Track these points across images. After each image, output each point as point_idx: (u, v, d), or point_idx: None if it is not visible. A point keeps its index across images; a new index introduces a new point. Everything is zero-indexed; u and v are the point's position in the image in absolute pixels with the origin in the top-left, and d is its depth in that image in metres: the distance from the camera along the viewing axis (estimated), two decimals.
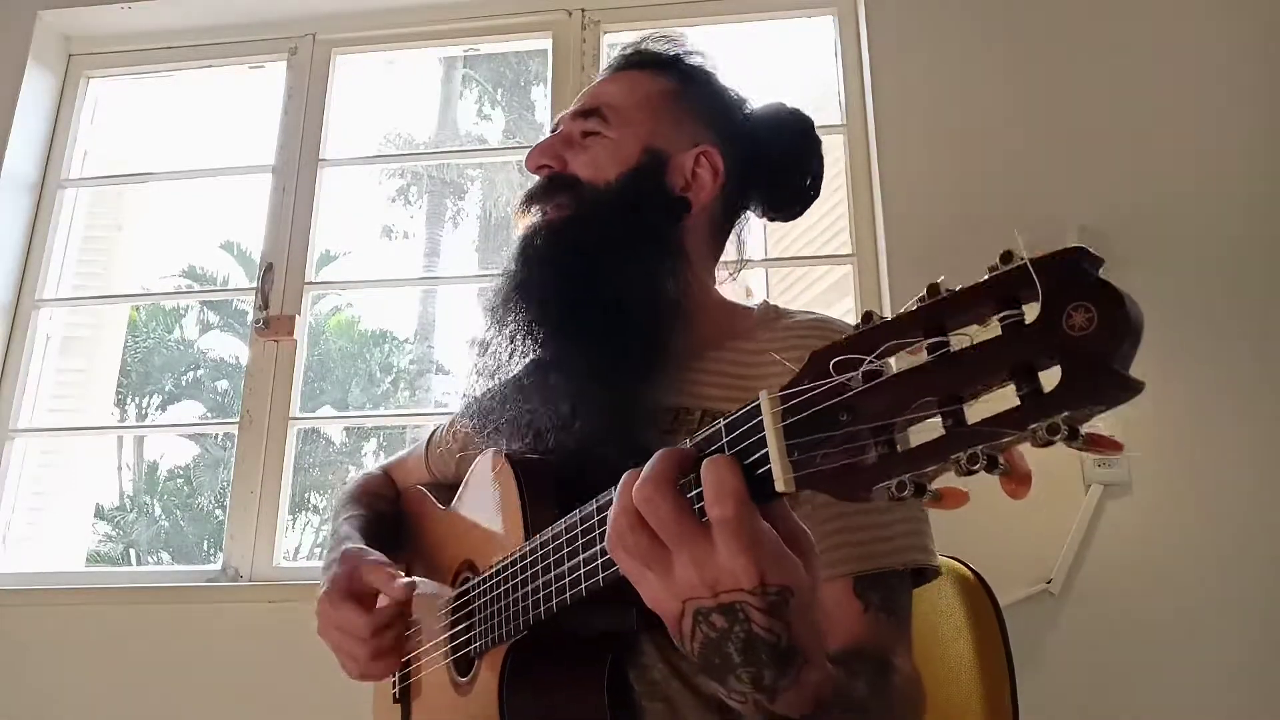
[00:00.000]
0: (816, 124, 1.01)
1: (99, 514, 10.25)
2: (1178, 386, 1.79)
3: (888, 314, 0.44)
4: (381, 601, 0.94)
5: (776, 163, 0.97)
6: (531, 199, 0.94)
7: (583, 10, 2.28)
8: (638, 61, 0.98)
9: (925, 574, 0.83)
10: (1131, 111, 1.97)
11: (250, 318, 2.17)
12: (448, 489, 1.02)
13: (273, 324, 2.13)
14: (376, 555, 0.94)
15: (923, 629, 1.02)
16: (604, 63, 2.30)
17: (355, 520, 1.05)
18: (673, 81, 0.96)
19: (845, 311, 2.20)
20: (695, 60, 0.99)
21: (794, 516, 0.53)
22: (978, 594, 0.99)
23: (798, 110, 1.00)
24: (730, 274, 1.01)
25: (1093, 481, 1.76)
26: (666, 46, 0.99)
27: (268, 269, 2.19)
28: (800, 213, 1.01)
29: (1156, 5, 2.04)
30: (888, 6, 2.11)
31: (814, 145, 0.99)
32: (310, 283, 2.21)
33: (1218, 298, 1.83)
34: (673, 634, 0.53)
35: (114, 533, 11.04)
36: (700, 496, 0.50)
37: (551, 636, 0.75)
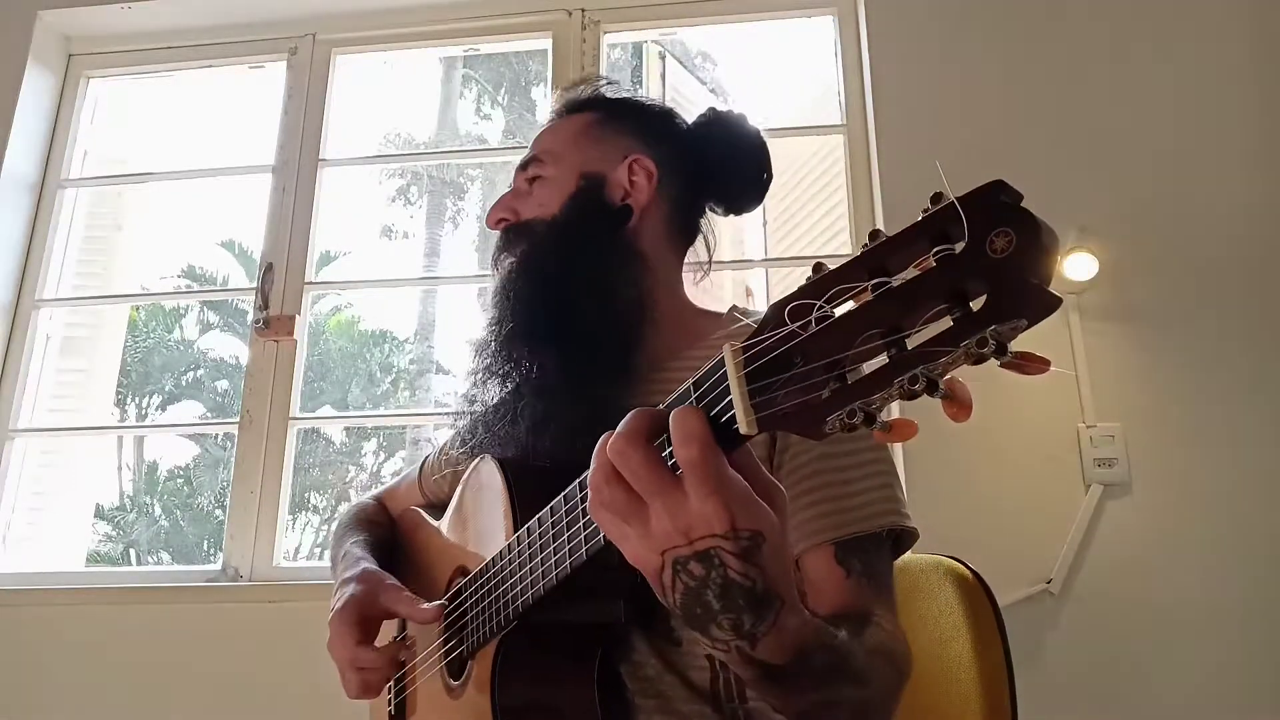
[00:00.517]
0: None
1: (99, 514, 10.26)
2: (1177, 386, 1.80)
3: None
4: (387, 630, 0.95)
5: (718, 160, 1.03)
6: (498, 252, 1.01)
7: (583, 10, 2.28)
8: (562, 110, 1.08)
9: (903, 541, 0.86)
10: (1131, 111, 1.97)
11: (250, 318, 2.17)
12: (441, 509, 1.03)
13: (273, 324, 2.13)
14: (394, 581, 0.95)
15: (922, 629, 1.02)
16: (604, 63, 2.30)
17: (361, 544, 1.07)
18: (595, 114, 1.05)
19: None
20: (613, 92, 1.08)
21: (764, 472, 0.55)
22: (977, 594, 0.99)
23: (729, 110, 1.07)
24: (696, 277, 1.06)
25: (1093, 481, 1.76)
26: (582, 90, 1.09)
27: (268, 269, 2.19)
28: (757, 202, 1.06)
29: (1156, 5, 2.04)
30: (888, 6, 2.11)
31: (755, 135, 1.05)
32: (310, 283, 2.21)
33: (1217, 297, 1.83)
34: (656, 590, 0.56)
35: (114, 533, 11.05)
36: (673, 454, 0.52)
37: (542, 628, 0.76)
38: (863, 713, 0.69)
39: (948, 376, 0.43)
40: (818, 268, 0.48)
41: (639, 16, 2.30)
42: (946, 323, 0.42)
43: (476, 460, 0.92)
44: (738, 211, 1.07)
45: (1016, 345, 0.41)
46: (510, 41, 2.48)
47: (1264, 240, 1.86)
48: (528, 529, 0.73)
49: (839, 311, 0.46)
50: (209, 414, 11.78)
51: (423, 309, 12.46)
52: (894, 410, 1.64)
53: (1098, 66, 2.01)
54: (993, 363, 0.41)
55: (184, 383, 12.33)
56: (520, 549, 0.74)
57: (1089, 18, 2.05)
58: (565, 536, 0.66)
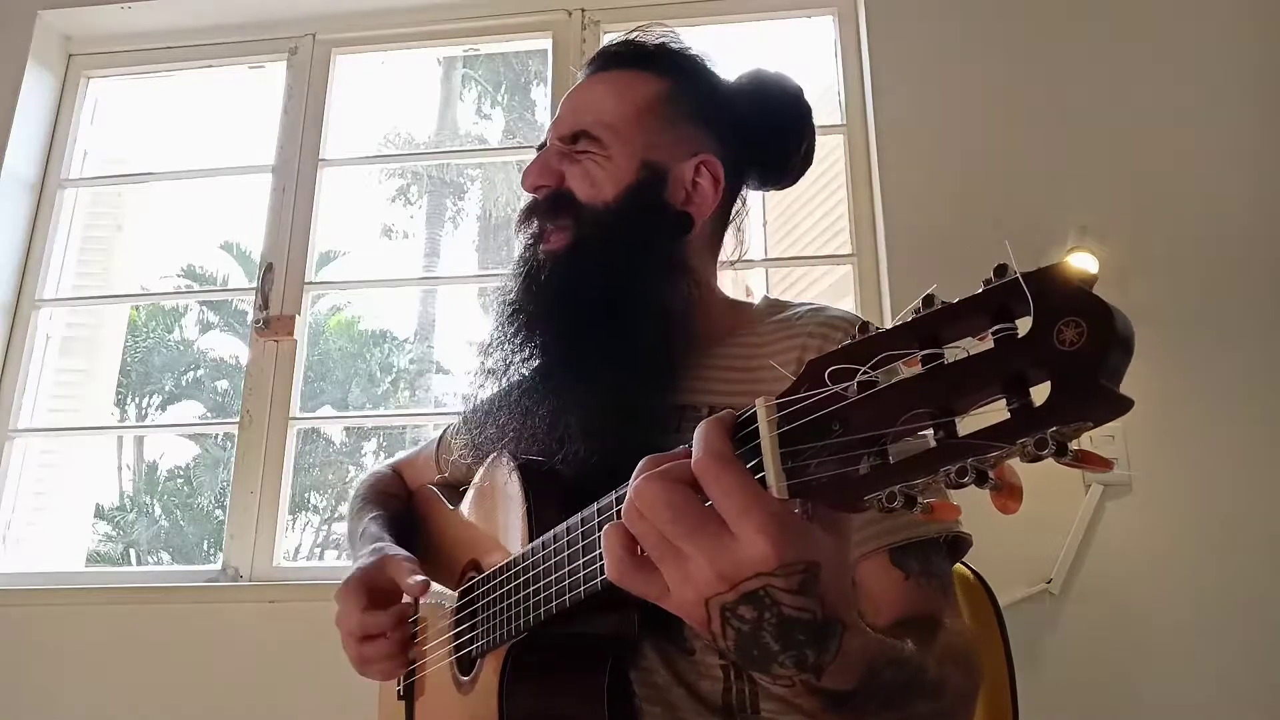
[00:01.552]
0: (816, 124, 1.00)
1: (99, 514, 10.24)
2: (1177, 386, 1.80)
3: (887, 323, 0.44)
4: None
5: (770, 137, 0.95)
6: (532, 213, 0.92)
7: (583, 10, 2.28)
8: (624, 58, 0.95)
9: (959, 549, 0.82)
10: (1131, 112, 1.97)
11: (250, 318, 2.17)
12: (456, 489, 1.03)
13: (273, 324, 2.13)
14: (405, 554, 0.95)
15: None
16: None
17: (380, 520, 1.06)
18: (662, 80, 0.93)
19: None
20: (682, 49, 0.96)
21: None
22: (977, 594, 0.99)
23: (784, 78, 0.97)
24: (731, 261, 1.01)
25: (1093, 481, 1.76)
26: (648, 39, 0.96)
27: (268, 269, 2.19)
28: (797, 179, 0.99)
29: (1156, 5, 2.04)
30: (888, 6, 2.11)
31: (804, 112, 0.97)
32: (310, 283, 2.21)
33: (1217, 298, 1.83)
34: (705, 636, 0.51)
35: (114, 533, 11.04)
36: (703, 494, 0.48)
37: (552, 638, 0.75)
38: None
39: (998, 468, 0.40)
40: (864, 328, 0.44)
41: (639, 16, 2.30)
42: (1002, 410, 0.39)
43: (496, 454, 0.89)
44: (773, 188, 1.01)
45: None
46: (510, 41, 2.48)
47: (1264, 240, 1.86)
48: (543, 541, 0.71)
49: (883, 380, 0.43)
50: (209, 414, 11.77)
51: (423, 309, 12.45)
52: None
53: (1098, 66, 2.01)
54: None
55: (184, 383, 12.32)
56: (538, 560, 0.73)
57: (1089, 18, 2.05)
58: (582, 561, 0.65)
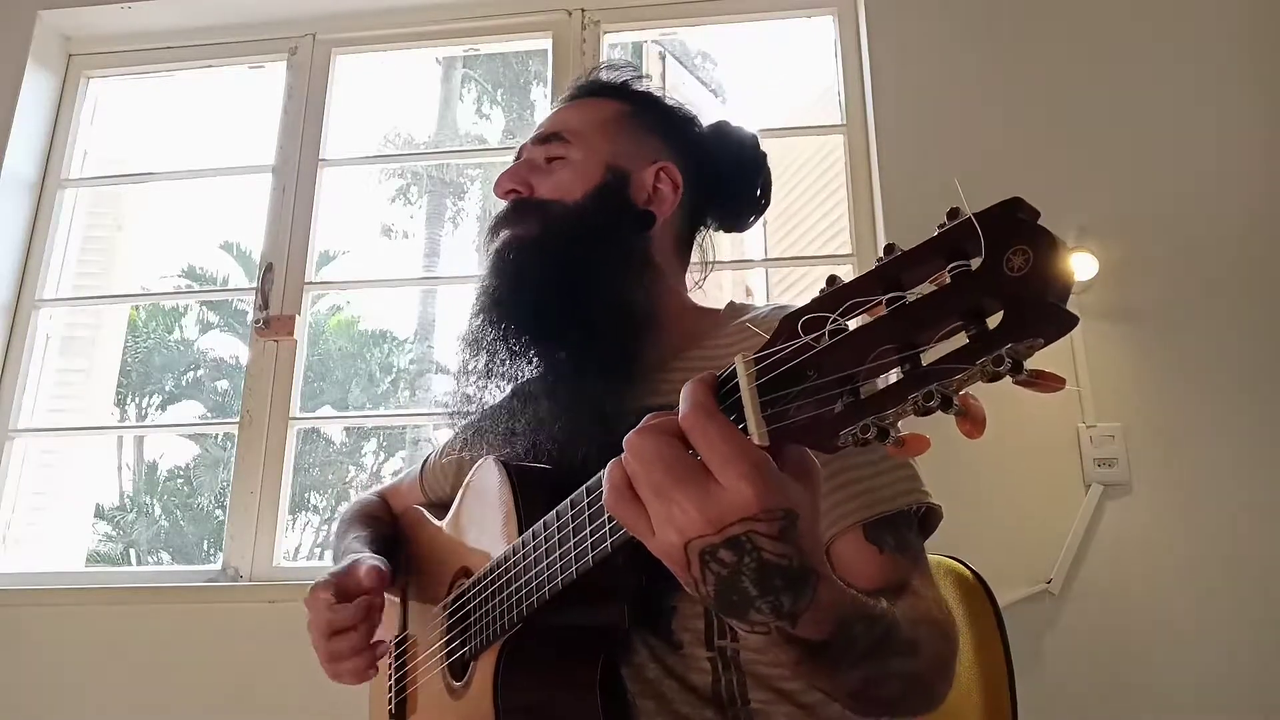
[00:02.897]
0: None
1: (99, 514, 10.26)
2: (1177, 386, 1.80)
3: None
4: (388, 632, 0.95)
5: (727, 176, 1.03)
6: (500, 223, 0.97)
7: (583, 10, 2.28)
8: (590, 90, 1.05)
9: (930, 521, 0.85)
10: (1131, 111, 1.97)
11: (250, 318, 2.17)
12: (443, 508, 1.03)
13: (273, 324, 2.13)
14: (374, 559, 0.95)
15: None
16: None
17: (362, 539, 1.07)
18: (625, 104, 1.02)
19: None
20: (643, 85, 1.06)
21: (800, 446, 0.53)
22: (977, 594, 0.99)
23: (743, 127, 1.06)
24: (697, 282, 1.06)
25: (1093, 481, 1.76)
26: (614, 75, 1.06)
27: (268, 269, 2.19)
28: (752, 223, 1.06)
29: (1156, 6, 2.04)
30: (888, 6, 2.11)
31: (760, 158, 1.04)
32: (310, 283, 2.21)
33: (1216, 297, 1.83)
34: (686, 585, 0.53)
35: (114, 533, 11.04)
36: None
37: (544, 632, 0.76)
38: (916, 684, 0.67)
39: (962, 393, 0.43)
40: (831, 280, 0.47)
41: (639, 16, 2.30)
42: (962, 340, 0.41)
43: (480, 461, 0.91)
44: (729, 229, 1.07)
45: (1030, 362, 0.41)
46: (510, 41, 2.48)
47: (1264, 240, 1.86)
48: (533, 532, 0.73)
49: (853, 325, 0.46)
50: (209, 414, 11.78)
51: (423, 309, 12.47)
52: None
53: (1098, 66, 2.01)
54: (1006, 379, 0.41)
55: (184, 383, 12.33)
56: (525, 552, 0.74)
57: (1089, 18, 2.05)
58: (572, 542, 0.66)
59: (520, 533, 0.78)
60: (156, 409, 11.88)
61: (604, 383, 0.87)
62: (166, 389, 12.17)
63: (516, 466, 0.85)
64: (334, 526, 1.19)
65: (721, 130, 1.05)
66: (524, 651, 0.77)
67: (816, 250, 2.62)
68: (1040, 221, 0.40)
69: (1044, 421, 1.79)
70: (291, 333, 2.13)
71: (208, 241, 14.27)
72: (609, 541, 0.62)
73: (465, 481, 0.95)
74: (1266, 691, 1.65)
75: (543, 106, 4.37)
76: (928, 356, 0.43)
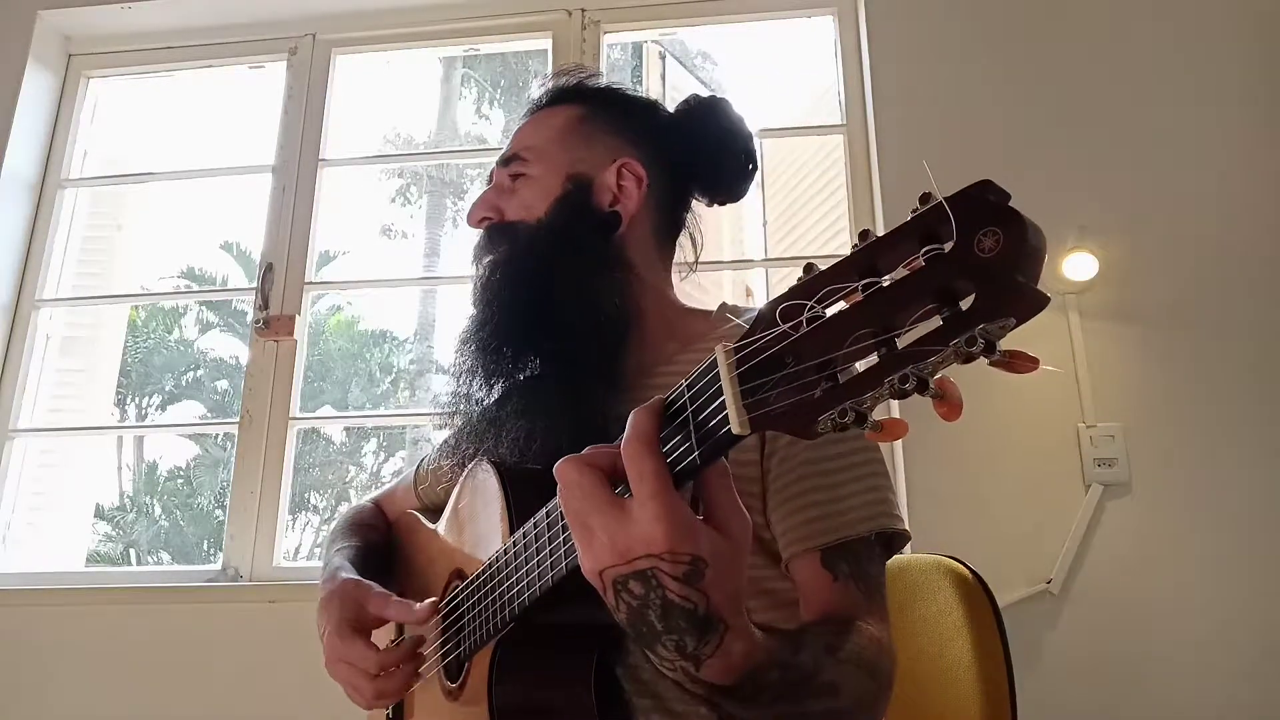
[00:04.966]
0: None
1: (99, 514, 10.26)
2: (1177, 386, 1.80)
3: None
4: (384, 635, 0.94)
5: (706, 150, 1.01)
6: (479, 251, 0.99)
7: (583, 10, 2.28)
8: (543, 102, 1.05)
9: (894, 543, 0.84)
10: (1131, 111, 1.97)
11: (250, 318, 2.17)
12: (437, 512, 1.03)
13: (273, 324, 2.13)
14: (380, 589, 0.94)
15: (923, 629, 1.02)
16: (604, 63, 2.30)
17: (346, 552, 1.06)
18: (578, 108, 1.01)
19: None
20: (595, 83, 1.05)
21: (733, 497, 0.55)
22: (976, 594, 0.99)
23: (711, 95, 1.04)
24: (682, 275, 1.05)
25: (1093, 481, 1.76)
26: (564, 80, 1.06)
27: (268, 269, 2.19)
28: (744, 191, 1.04)
29: (1156, 7, 2.04)
30: (888, 6, 2.11)
31: (738, 120, 1.02)
32: (310, 283, 2.21)
33: (1217, 297, 1.83)
34: (609, 607, 0.56)
35: (114, 533, 11.04)
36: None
37: (538, 629, 0.76)
38: None
39: (938, 376, 0.44)
40: (808, 268, 0.48)
41: (639, 16, 2.30)
42: (936, 322, 0.42)
43: (473, 464, 0.92)
44: (723, 202, 1.05)
45: (1008, 343, 0.41)
46: (510, 41, 2.48)
47: (1264, 240, 1.86)
48: (523, 532, 0.73)
49: (830, 312, 0.46)
50: (209, 414, 11.78)
51: (423, 309, 12.46)
52: (893, 409, 1.64)
53: (1098, 66, 2.01)
54: (983, 361, 0.41)
55: (184, 383, 12.33)
56: (516, 551, 0.74)
57: (1089, 17, 2.05)
58: (561, 538, 0.67)
59: (512, 529, 0.78)
60: (156, 409, 11.88)
61: (587, 390, 0.87)
62: (166, 389, 12.16)
63: (509, 468, 0.85)
64: (329, 534, 1.19)
65: (691, 105, 1.03)
66: (517, 650, 0.78)
67: (817, 250, 2.61)
68: (1011, 203, 0.40)
69: (1044, 421, 1.80)
70: (291, 333, 2.13)
71: (208, 241, 14.28)
72: None
73: (459, 484, 0.95)
74: (1266, 691, 1.65)
75: None
76: (904, 341, 0.44)
